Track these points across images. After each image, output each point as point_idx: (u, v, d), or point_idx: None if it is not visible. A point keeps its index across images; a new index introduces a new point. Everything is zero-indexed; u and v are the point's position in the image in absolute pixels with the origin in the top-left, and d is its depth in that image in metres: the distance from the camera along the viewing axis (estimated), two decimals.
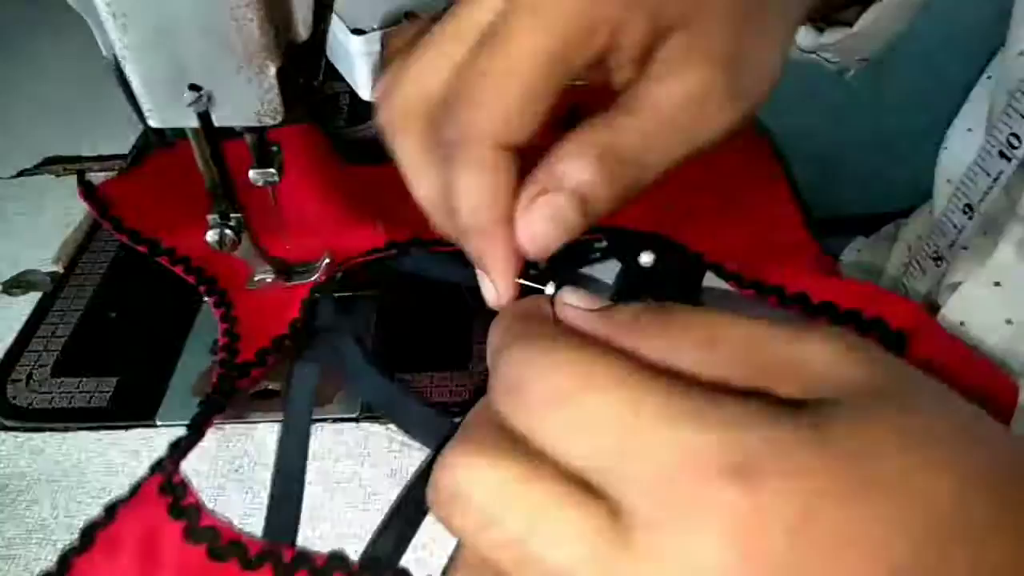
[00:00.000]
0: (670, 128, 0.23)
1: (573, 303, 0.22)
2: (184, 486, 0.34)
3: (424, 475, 0.35)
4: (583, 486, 0.17)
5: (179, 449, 0.36)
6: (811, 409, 0.17)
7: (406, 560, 0.32)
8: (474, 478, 0.18)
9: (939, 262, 0.41)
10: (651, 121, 0.22)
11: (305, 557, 0.32)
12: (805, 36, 0.43)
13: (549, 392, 0.18)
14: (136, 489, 0.34)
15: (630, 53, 0.23)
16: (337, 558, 0.32)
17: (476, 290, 0.43)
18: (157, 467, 0.36)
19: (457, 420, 0.37)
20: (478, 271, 0.25)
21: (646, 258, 0.40)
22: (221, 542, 0.32)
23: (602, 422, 0.17)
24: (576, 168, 0.22)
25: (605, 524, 0.17)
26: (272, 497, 0.35)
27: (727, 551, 0.16)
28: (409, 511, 0.34)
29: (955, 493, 0.16)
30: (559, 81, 0.23)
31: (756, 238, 0.44)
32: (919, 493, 0.16)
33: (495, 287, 0.24)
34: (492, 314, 0.43)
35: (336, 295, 0.44)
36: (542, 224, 0.22)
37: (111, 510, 0.34)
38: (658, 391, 0.17)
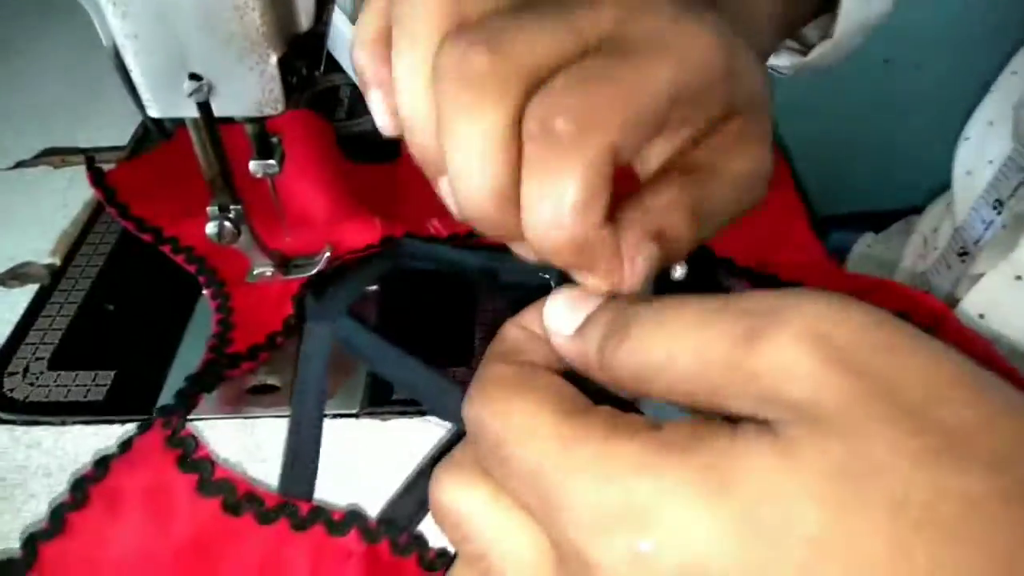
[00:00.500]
0: (734, 194, 0.24)
1: (552, 327, 0.22)
2: (194, 439, 0.34)
3: (447, 447, 0.35)
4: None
5: (178, 407, 0.36)
6: (725, 441, 0.17)
7: (423, 526, 0.32)
8: (454, 496, 0.20)
9: (964, 257, 0.40)
10: (726, 187, 0.24)
11: (322, 511, 0.32)
12: (787, 58, 0.44)
13: (492, 441, 0.19)
14: (127, 445, 0.34)
15: (696, 125, 0.24)
16: (354, 514, 0.32)
17: (486, 272, 0.42)
18: (144, 427, 0.35)
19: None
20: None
21: (679, 272, 0.40)
22: (236, 495, 0.32)
23: (528, 475, 0.18)
24: (674, 219, 0.22)
25: (548, 556, 0.19)
26: (286, 458, 0.34)
27: None
28: (425, 482, 0.33)
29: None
30: (666, 120, 0.22)
31: (762, 241, 0.44)
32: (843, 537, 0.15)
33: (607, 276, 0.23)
34: (494, 309, 0.43)
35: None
36: (643, 273, 0.22)
37: (102, 464, 0.33)
38: (578, 442, 0.18)
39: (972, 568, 0.14)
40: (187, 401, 0.37)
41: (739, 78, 0.23)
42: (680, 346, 0.18)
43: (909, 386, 0.16)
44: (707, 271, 0.43)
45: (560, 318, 0.22)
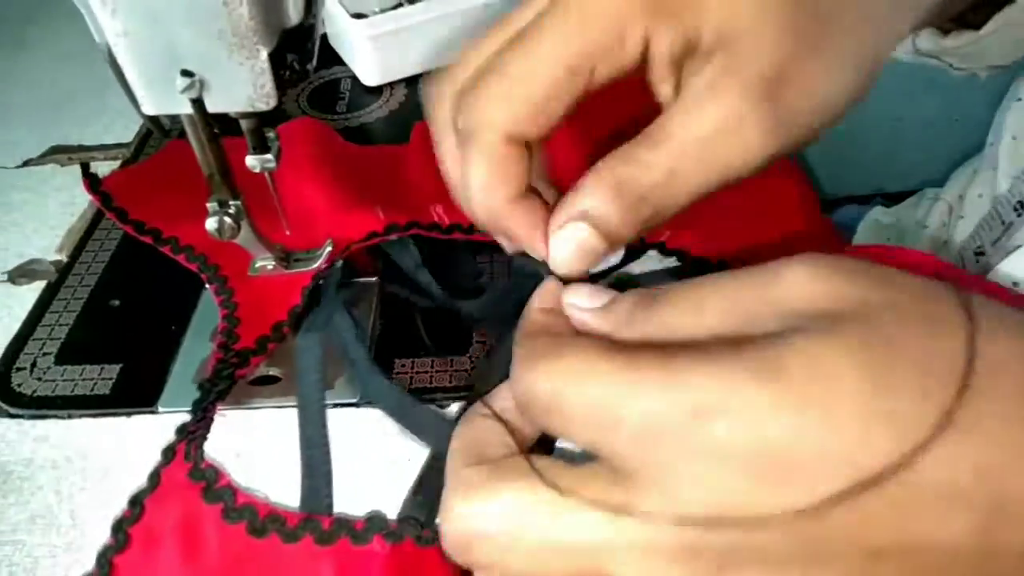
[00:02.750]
0: (695, 161, 0.23)
1: (576, 303, 0.24)
2: (215, 470, 0.35)
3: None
4: None
5: (192, 434, 0.36)
6: (765, 342, 0.19)
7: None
8: (467, 525, 0.22)
9: (1006, 227, 0.39)
10: (674, 155, 0.23)
11: (344, 523, 0.32)
12: (927, 39, 0.41)
13: (546, 400, 0.21)
14: (156, 479, 0.35)
15: (664, 70, 0.24)
16: (375, 520, 0.32)
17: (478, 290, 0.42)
18: (169, 453, 0.36)
19: (453, 416, 0.37)
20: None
21: (613, 259, 0.39)
22: (259, 518, 0.33)
23: (591, 410, 0.20)
24: (594, 201, 0.24)
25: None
26: (304, 471, 0.35)
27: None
28: (435, 477, 0.34)
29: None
30: (577, 87, 0.24)
31: (765, 227, 0.44)
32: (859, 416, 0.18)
33: (531, 248, 0.26)
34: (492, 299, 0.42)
35: (338, 282, 0.44)
36: (566, 251, 0.25)
37: (136, 503, 0.34)
38: (634, 365, 0.20)
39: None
40: (204, 413, 0.37)
41: (677, 15, 0.23)
42: (708, 295, 0.21)
43: (907, 295, 0.19)
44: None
45: (585, 297, 0.24)
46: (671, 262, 0.44)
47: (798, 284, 0.20)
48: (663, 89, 0.25)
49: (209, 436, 0.37)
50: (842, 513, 0.17)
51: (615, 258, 0.28)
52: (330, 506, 0.34)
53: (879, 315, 0.18)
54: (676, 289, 0.22)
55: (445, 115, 0.28)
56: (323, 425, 0.37)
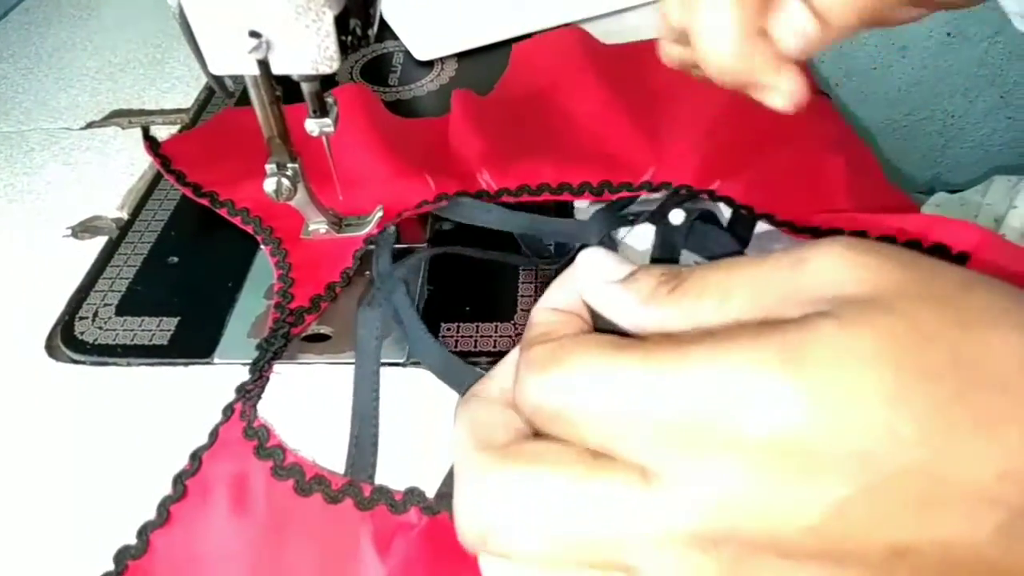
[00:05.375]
0: None
1: (598, 272, 0.23)
2: (266, 429, 0.36)
3: None
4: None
5: (249, 393, 0.38)
6: (789, 329, 0.18)
7: None
8: (494, 521, 0.20)
9: None
10: None
11: (384, 492, 0.34)
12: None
13: (558, 405, 0.20)
14: (214, 436, 0.36)
15: None
16: (413, 493, 0.34)
17: (530, 240, 0.43)
18: (228, 411, 0.37)
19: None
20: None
21: (676, 218, 0.40)
22: (306, 478, 0.34)
23: (608, 409, 0.19)
24: None
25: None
26: (352, 440, 0.36)
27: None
28: None
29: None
30: None
31: (816, 188, 0.44)
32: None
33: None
34: (535, 268, 0.43)
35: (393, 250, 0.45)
36: (787, 32, 0.27)
37: (195, 457, 0.36)
38: (637, 370, 0.19)
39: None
40: (262, 371, 0.39)
41: None
42: (734, 281, 0.20)
43: (940, 282, 0.19)
44: (741, 228, 0.44)
45: (607, 269, 0.23)
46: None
47: (827, 269, 0.19)
48: None
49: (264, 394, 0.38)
50: (864, 508, 0.17)
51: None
52: (372, 476, 0.35)
53: (911, 304, 0.18)
54: (703, 271, 0.21)
55: None
56: (375, 399, 0.38)
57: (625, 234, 0.45)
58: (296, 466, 0.35)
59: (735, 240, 0.43)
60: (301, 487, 0.34)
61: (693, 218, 0.43)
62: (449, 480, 0.34)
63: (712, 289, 0.20)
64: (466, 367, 0.38)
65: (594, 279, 0.23)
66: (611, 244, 0.44)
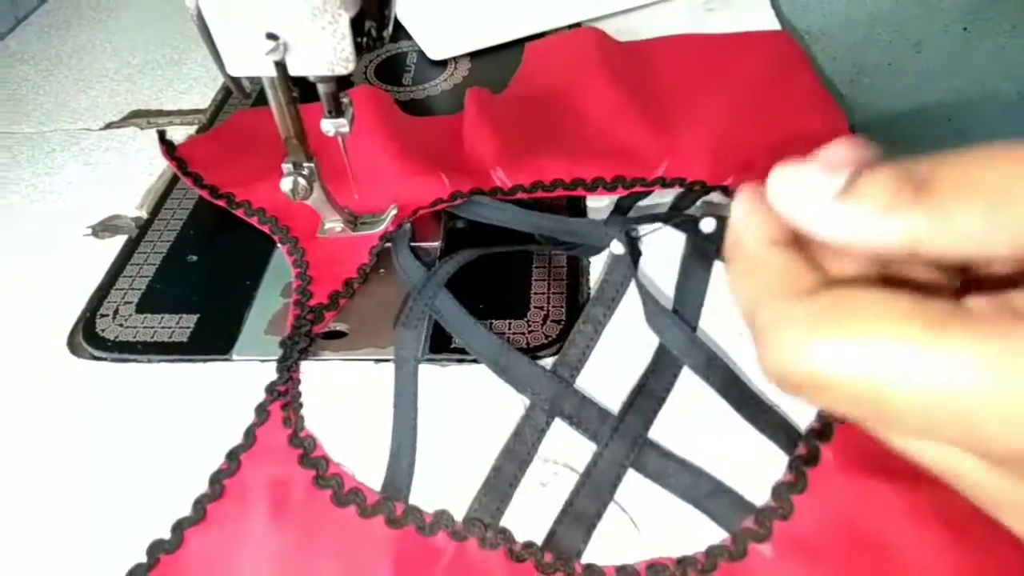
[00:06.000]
0: None
1: (798, 188, 0.18)
2: (313, 440, 0.37)
3: (518, 433, 0.36)
4: None
5: (283, 395, 0.38)
6: None
7: (505, 521, 0.34)
8: (835, 373, 0.16)
9: None
10: None
11: (414, 512, 0.34)
12: None
13: (861, 386, 0.16)
14: (251, 437, 0.37)
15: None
16: (442, 515, 0.34)
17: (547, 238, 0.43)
18: (262, 412, 0.38)
19: (566, 382, 0.38)
20: None
21: (707, 226, 0.40)
22: (344, 489, 0.35)
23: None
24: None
25: None
26: (391, 458, 0.36)
27: None
28: (509, 471, 0.35)
29: None
30: None
31: None
32: None
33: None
34: (548, 265, 0.44)
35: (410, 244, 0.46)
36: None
37: (233, 457, 0.36)
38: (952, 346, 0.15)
39: None
40: (289, 372, 0.39)
41: None
42: (1014, 178, 0.16)
43: None
44: None
45: (815, 183, 0.18)
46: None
47: None
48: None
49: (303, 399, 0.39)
50: None
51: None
52: (407, 496, 0.35)
53: None
54: (955, 164, 0.16)
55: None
56: (414, 417, 0.38)
57: (648, 231, 0.45)
58: (336, 477, 0.35)
59: None
60: (338, 498, 0.35)
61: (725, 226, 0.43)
62: (475, 503, 0.34)
63: (979, 187, 0.16)
64: (524, 359, 0.39)
65: (803, 197, 0.18)
66: (632, 244, 0.44)
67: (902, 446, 0.19)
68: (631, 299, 0.41)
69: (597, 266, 0.44)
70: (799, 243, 0.20)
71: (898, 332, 0.16)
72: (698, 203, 0.47)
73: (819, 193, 0.18)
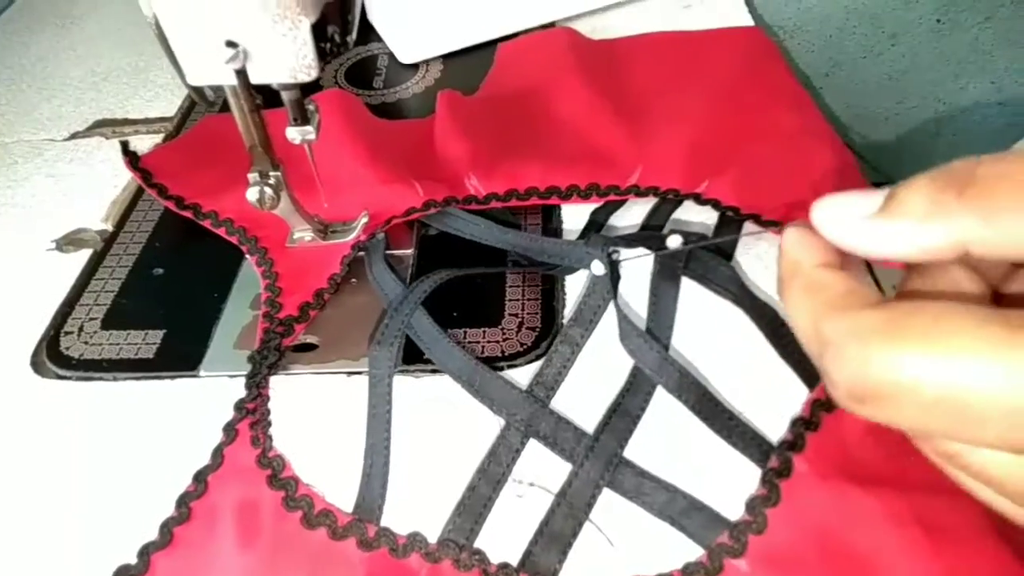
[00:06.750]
0: None
1: (838, 212, 0.19)
2: (281, 459, 0.36)
3: (493, 453, 0.35)
4: None
5: (251, 412, 0.37)
6: None
7: (480, 542, 0.33)
8: (908, 381, 0.17)
9: None
10: None
11: (387, 534, 0.33)
12: None
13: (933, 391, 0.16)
14: (219, 457, 0.36)
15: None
16: (416, 538, 0.33)
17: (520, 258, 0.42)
18: (230, 431, 0.37)
19: (541, 402, 0.37)
20: None
21: (673, 242, 0.40)
22: (314, 511, 0.34)
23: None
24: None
25: None
26: (364, 479, 0.35)
27: None
28: (484, 491, 0.34)
29: None
30: None
31: (798, 186, 0.44)
32: None
33: None
34: (524, 276, 0.43)
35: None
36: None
37: (200, 479, 0.35)
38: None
39: None
40: (258, 388, 0.38)
41: None
42: None
43: None
44: (733, 228, 0.44)
45: (855, 205, 0.19)
46: (707, 211, 0.45)
47: None
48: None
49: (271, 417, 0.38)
50: None
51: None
52: (379, 517, 0.34)
53: None
54: (995, 161, 0.16)
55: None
56: (387, 436, 0.37)
57: (630, 256, 0.44)
58: (306, 498, 0.34)
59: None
60: (309, 520, 0.34)
61: (691, 244, 0.42)
62: (449, 524, 0.33)
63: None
64: (499, 379, 0.38)
65: (846, 221, 0.19)
66: (612, 266, 0.43)
67: (963, 465, 0.18)
68: (609, 319, 0.41)
69: (572, 276, 0.43)
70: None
71: (983, 336, 0.16)
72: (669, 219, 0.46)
73: (862, 212, 0.18)
